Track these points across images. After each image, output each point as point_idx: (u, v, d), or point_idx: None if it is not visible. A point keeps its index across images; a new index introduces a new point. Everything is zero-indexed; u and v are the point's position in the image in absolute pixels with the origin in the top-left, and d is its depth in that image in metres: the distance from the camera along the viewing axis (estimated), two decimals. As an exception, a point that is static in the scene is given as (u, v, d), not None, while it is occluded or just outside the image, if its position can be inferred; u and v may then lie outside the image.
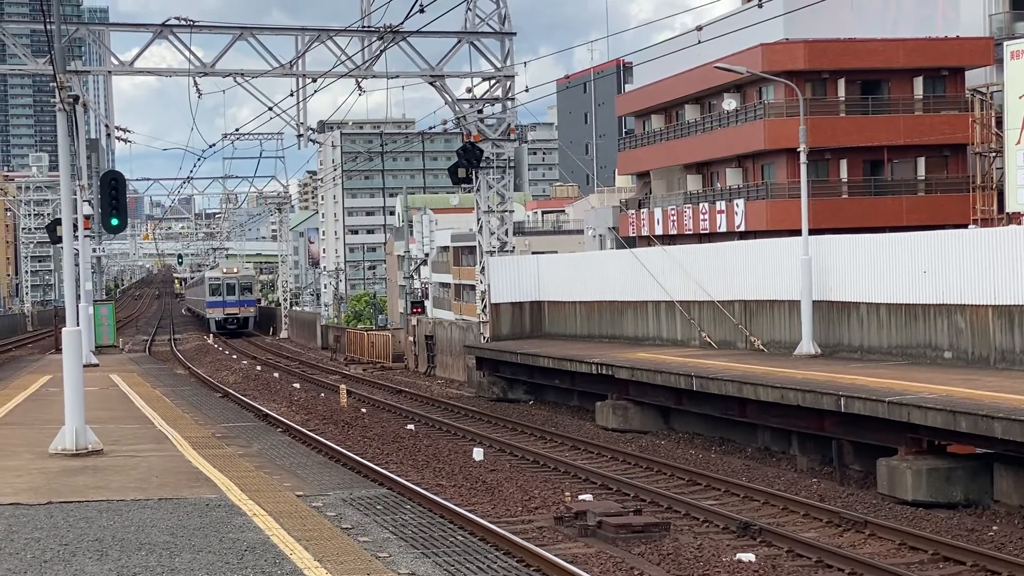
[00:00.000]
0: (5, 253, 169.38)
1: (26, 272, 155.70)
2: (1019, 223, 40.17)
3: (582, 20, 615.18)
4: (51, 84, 23.20)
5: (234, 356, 69.45)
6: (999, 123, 48.11)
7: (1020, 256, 30.43)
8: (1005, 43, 48.09)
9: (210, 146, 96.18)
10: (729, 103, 64.63)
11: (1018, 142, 40.61)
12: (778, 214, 58.60)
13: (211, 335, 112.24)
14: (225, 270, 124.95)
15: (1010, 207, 42.49)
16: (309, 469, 22.81)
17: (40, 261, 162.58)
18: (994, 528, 21.29)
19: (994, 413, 21.78)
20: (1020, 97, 40.51)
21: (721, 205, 70.25)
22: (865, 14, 64.39)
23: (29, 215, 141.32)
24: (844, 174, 65.59)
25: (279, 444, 27.82)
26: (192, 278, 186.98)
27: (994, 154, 51.62)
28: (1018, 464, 22.51)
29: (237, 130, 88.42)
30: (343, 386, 44.23)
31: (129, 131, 65.60)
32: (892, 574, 17.82)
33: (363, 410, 39.88)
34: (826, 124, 60.42)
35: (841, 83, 65.72)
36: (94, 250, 67.29)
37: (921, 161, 66.30)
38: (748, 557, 19.21)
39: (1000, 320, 30.22)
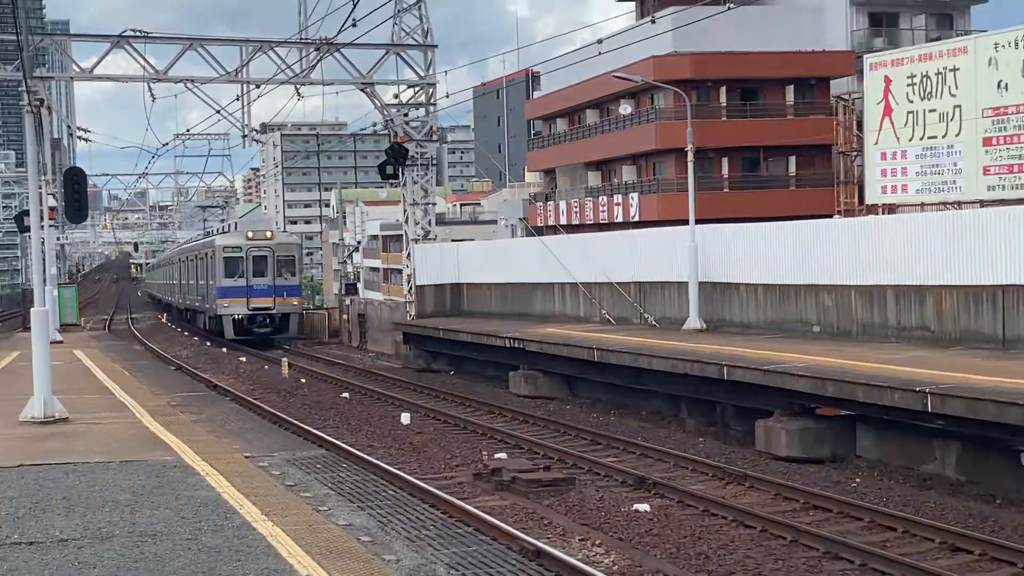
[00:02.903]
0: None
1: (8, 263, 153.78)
2: (876, 214, 40.57)
3: (496, 34, 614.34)
4: (19, 89, 22.96)
5: (186, 333, 68.70)
6: (859, 126, 48.61)
7: (877, 242, 30.89)
8: (864, 56, 48.61)
9: (163, 145, 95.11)
10: (625, 108, 64.85)
11: (876, 143, 40.98)
12: (668, 206, 58.84)
13: (212, 338, 59.37)
14: (251, 234, 58.97)
15: (869, 200, 42.92)
16: (255, 433, 22.78)
17: (8, 248, 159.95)
18: (857, 480, 21.61)
19: (856, 379, 22.15)
20: (877, 103, 40.87)
21: (618, 198, 70.63)
22: (744, 29, 64.73)
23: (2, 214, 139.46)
24: (726, 171, 66.17)
25: (228, 411, 27.72)
26: (158, 254, 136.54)
27: (855, 153, 52.19)
28: (877, 424, 22.90)
29: (187, 131, 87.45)
30: (285, 359, 44.05)
31: (89, 131, 65.40)
32: (769, 521, 18.06)
33: (303, 380, 39.75)
34: (710, 127, 60.75)
35: (723, 91, 66.25)
36: (58, 239, 66.22)
37: (792, 159, 66.99)
38: (643, 507, 19.37)
39: (861, 299, 30.66)
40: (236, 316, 54.33)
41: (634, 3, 75.44)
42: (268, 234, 56.32)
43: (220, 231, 66.96)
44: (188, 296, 70.90)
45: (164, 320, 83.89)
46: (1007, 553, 15.75)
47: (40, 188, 23.09)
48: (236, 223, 63.06)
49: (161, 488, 14.60)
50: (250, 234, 55.61)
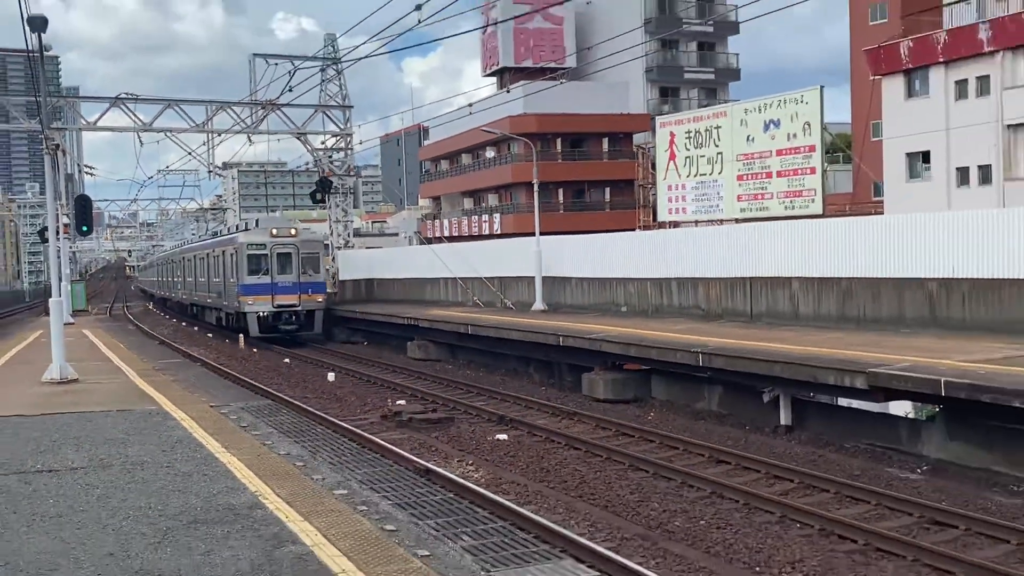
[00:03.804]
0: (11, 249, 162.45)
1: (25, 262, 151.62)
2: (665, 228, 41.10)
3: (396, 99, 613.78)
4: (40, 137, 22.22)
5: (167, 316, 67.34)
6: (653, 167, 49.18)
7: (662, 248, 31.34)
8: (656, 117, 49.16)
9: (149, 178, 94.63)
10: (489, 153, 65.43)
11: (664, 178, 41.49)
12: (520, 223, 59.11)
13: (240, 339, 42.35)
14: (275, 231, 43.40)
15: (660, 218, 43.44)
16: (218, 389, 22.44)
17: (34, 255, 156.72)
18: (651, 414, 21.91)
19: (651, 344, 22.42)
20: (664, 151, 41.39)
21: (485, 217, 71.05)
22: (573, 97, 65.40)
23: (26, 224, 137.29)
24: (561, 198, 66.85)
25: (198, 374, 27.24)
26: (147, 258, 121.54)
27: (650, 186, 52.80)
28: (665, 375, 23.22)
29: (167, 167, 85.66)
30: (241, 336, 43.31)
31: (94, 168, 64.92)
32: (591, 444, 18.23)
33: (254, 350, 39.10)
34: (549, 167, 61.22)
35: (559, 141, 67.01)
36: (70, 247, 64.53)
37: (607, 190, 68.01)
38: (503, 436, 19.45)
39: (655, 288, 31.06)
40: (261, 314, 40.14)
41: (495, 78, 75.59)
42: (292, 231, 42.18)
43: (235, 229, 49.31)
44: (196, 292, 54.45)
45: (151, 307, 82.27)
46: (754, 463, 16.22)
47: (56, 210, 22.52)
48: (257, 220, 45.84)
49: (147, 430, 14.35)
50: (274, 231, 41.29)
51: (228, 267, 42.88)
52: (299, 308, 40.63)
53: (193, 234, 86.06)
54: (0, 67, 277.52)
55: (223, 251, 44.43)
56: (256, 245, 40.66)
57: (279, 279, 40.35)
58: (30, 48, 20.38)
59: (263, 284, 40.20)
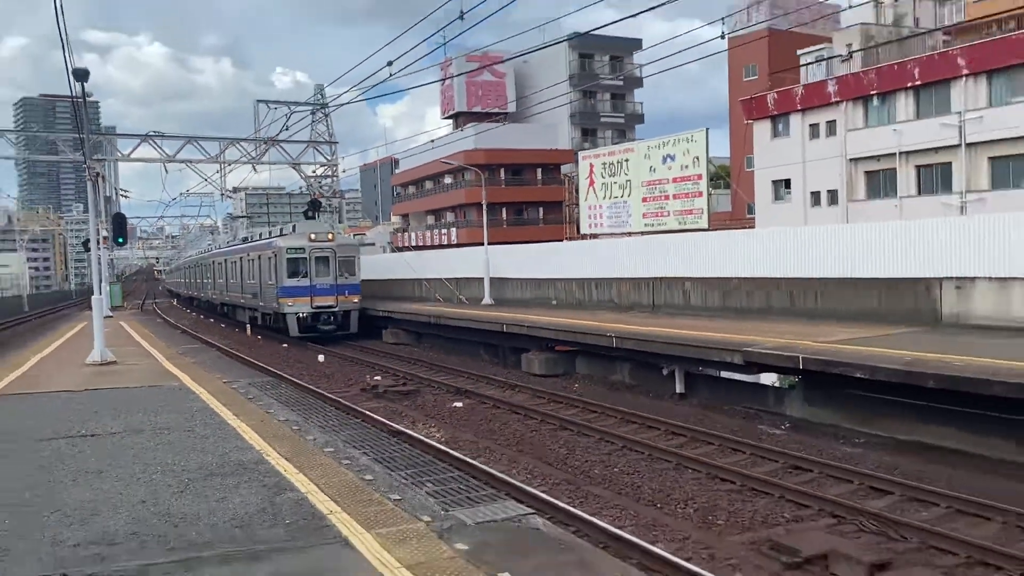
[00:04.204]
0: (60, 257, 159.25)
1: (72, 267, 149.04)
2: (586, 239, 41.24)
3: (373, 136, 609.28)
4: (84, 166, 21.73)
5: (189, 311, 66.24)
6: (576, 191, 49.36)
7: (584, 254, 31.48)
8: (579, 152, 49.23)
9: (172, 199, 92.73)
10: (447, 180, 64.96)
11: (586, 200, 41.59)
12: (472, 235, 58.98)
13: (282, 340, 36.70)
14: (314, 235, 36.31)
15: (582, 231, 43.53)
16: (230, 369, 22.07)
17: (79, 261, 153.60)
18: (576, 385, 21.97)
19: (576, 331, 22.50)
20: (586, 179, 41.47)
21: (444, 231, 70.70)
22: (514, 136, 65.52)
23: (72, 236, 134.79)
24: (504, 215, 66.61)
25: (214, 356, 26.79)
26: (177, 259, 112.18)
27: (575, 206, 53.01)
28: (587, 354, 23.27)
29: (188, 191, 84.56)
30: (248, 326, 42.64)
31: (128, 191, 63.64)
32: (528, 410, 18.23)
33: (259, 338, 38.57)
34: (495, 191, 61.10)
35: (502, 170, 66.77)
36: (109, 255, 63.33)
37: (541, 209, 67.98)
38: (459, 404, 19.40)
39: (579, 286, 31.18)
40: (300, 314, 34.94)
41: (452, 120, 75.37)
42: (330, 236, 36.42)
43: (267, 235, 42.41)
44: (228, 292, 48.11)
45: (176, 304, 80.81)
46: (655, 423, 16.27)
47: (97, 226, 22.03)
48: (294, 226, 38.99)
49: (172, 401, 14.08)
50: (313, 236, 35.71)
51: (266, 270, 37.35)
52: (336, 309, 35.32)
53: (210, 244, 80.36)
54: (51, 110, 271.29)
55: (259, 255, 39.11)
56: (295, 249, 35.22)
57: (317, 281, 35.06)
58: (75, 95, 19.91)
59: (302, 286, 34.98)
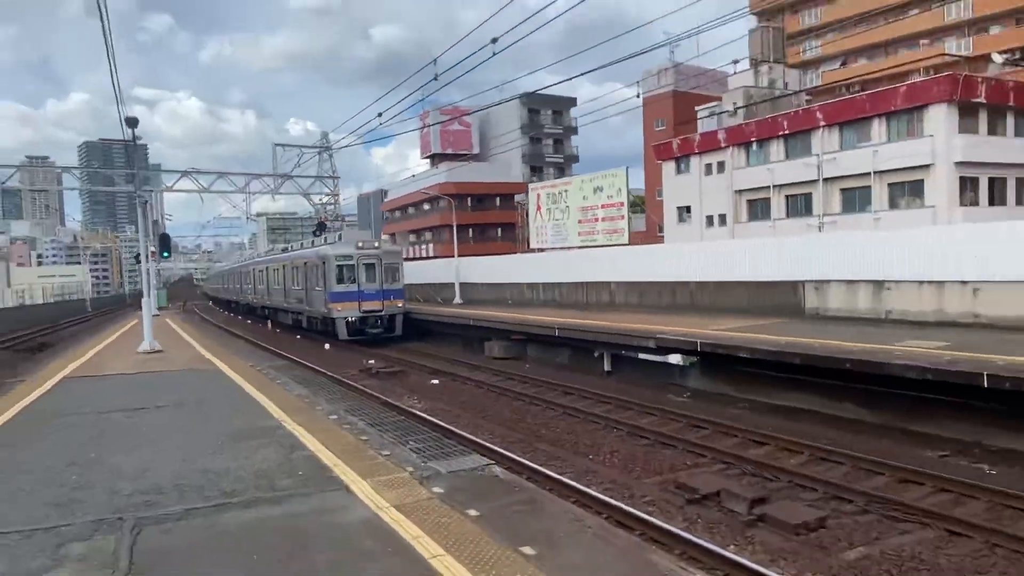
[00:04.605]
0: (116, 267, 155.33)
1: (126, 276, 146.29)
2: (535, 252, 41.30)
3: (367, 173, 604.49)
4: (135, 196, 21.26)
5: (221, 311, 64.95)
6: (527, 215, 49.43)
7: (531, 264, 31.47)
8: (529, 185, 49.28)
9: (207, 222, 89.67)
10: (426, 207, 64.49)
11: (535, 222, 41.67)
12: (445, 250, 58.57)
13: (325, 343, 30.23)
14: (361, 243, 30.35)
15: (532, 246, 43.58)
16: (255, 355, 21.73)
17: (132, 271, 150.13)
18: (527, 366, 21.90)
19: (528, 325, 22.50)
20: (534, 205, 41.60)
21: (424, 247, 70.14)
22: (478, 172, 65.36)
23: (126, 251, 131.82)
24: (471, 234, 66.18)
25: (242, 346, 26.33)
26: (211, 269, 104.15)
27: (526, 227, 53.05)
28: (537, 342, 23.18)
29: (219, 215, 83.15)
30: (269, 321, 41.92)
31: (171, 215, 62.61)
32: (489, 386, 18.16)
33: (277, 331, 37.97)
34: (463, 215, 60.55)
35: (469, 199, 66.44)
36: (156, 267, 62.05)
37: (499, 229, 67.64)
38: (435, 381, 19.28)
39: (528, 289, 31.18)
40: (349, 318, 29.56)
41: (429, 160, 75.01)
42: (376, 244, 31.42)
43: (309, 245, 37.72)
44: (270, 297, 42.37)
45: (211, 305, 79.18)
46: (588, 394, 16.27)
47: (146, 243, 21.54)
48: (340, 235, 34.05)
49: (209, 381, 13.79)
50: (360, 244, 30.57)
51: (313, 276, 31.94)
52: (383, 313, 29.88)
53: (249, 254, 75.07)
54: (108, 151, 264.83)
55: (305, 263, 33.65)
56: (344, 256, 29.99)
57: (365, 287, 29.76)
58: (127, 139, 19.47)
59: (350, 291, 29.64)
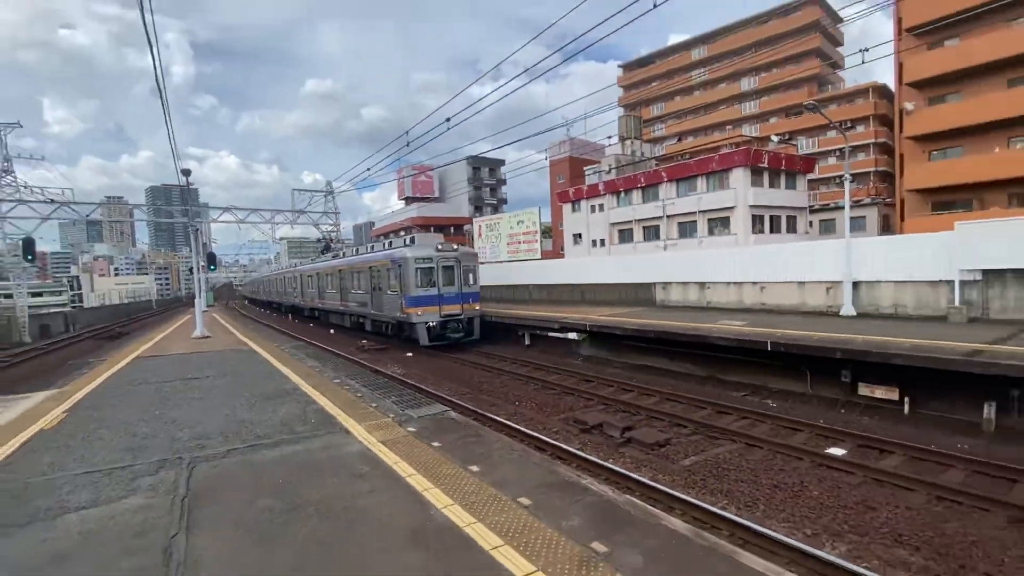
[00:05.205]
0: (175, 277, 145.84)
1: (183, 283, 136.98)
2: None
3: (360, 209, 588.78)
4: (188, 225, 20.00)
5: (256, 308, 61.80)
6: (472, 239, 48.84)
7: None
8: (474, 218, 48.83)
9: (242, 245, 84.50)
10: (403, 233, 62.94)
11: (482, 246, 41.20)
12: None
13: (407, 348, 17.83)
14: (440, 246, 16.47)
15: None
16: (281, 339, 20.73)
17: (187, 279, 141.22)
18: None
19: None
20: (477, 232, 41.19)
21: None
22: (439, 209, 64.40)
23: (183, 266, 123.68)
24: (434, 252, 65.15)
25: (271, 333, 25.03)
26: (247, 277, 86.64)
27: (478, 246, 52.51)
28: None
29: (252, 239, 78.78)
30: (290, 314, 40.10)
31: (216, 240, 58.62)
32: (450, 356, 17.71)
33: (296, 320, 36.42)
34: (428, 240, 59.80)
35: (432, 228, 65.25)
36: (205, 277, 58.62)
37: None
38: (410, 354, 18.71)
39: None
40: (430, 323, 18.96)
41: (404, 200, 73.50)
42: (454, 247, 20.53)
43: (368, 250, 27.20)
44: (321, 300, 32.19)
45: (247, 304, 75.36)
46: (515, 361, 16.16)
47: (197, 259, 20.31)
48: (413, 238, 21.51)
49: (246, 360, 13.04)
50: (439, 247, 19.91)
51: (384, 280, 22.77)
52: (462, 316, 20.63)
53: (269, 262, 69.88)
54: (168, 193, 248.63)
55: (370, 267, 24.53)
56: (423, 259, 20.52)
57: (444, 290, 20.45)
58: (182, 184, 18.34)
59: (430, 295, 20.19)
